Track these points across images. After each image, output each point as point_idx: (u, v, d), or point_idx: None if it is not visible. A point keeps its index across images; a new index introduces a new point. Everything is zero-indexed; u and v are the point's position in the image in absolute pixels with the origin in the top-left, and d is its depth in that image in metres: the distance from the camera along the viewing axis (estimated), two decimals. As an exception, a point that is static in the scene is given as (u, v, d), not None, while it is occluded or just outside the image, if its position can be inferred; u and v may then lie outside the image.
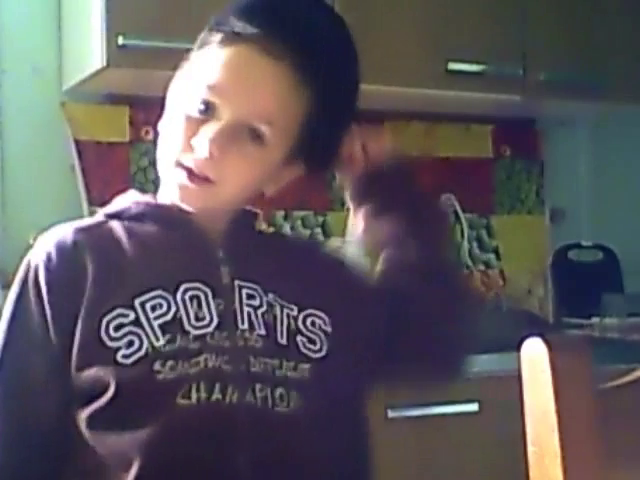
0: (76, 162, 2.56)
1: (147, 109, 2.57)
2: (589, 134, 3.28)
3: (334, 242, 2.81)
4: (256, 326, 1.20)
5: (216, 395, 1.14)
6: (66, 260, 1.21)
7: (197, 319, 1.18)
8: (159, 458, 1.12)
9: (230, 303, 1.21)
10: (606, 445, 0.96)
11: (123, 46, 2.25)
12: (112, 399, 1.13)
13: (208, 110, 1.18)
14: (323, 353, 1.23)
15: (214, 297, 1.20)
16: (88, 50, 2.37)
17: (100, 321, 1.16)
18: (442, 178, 3.02)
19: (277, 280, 1.25)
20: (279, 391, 1.18)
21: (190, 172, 1.18)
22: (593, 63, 2.81)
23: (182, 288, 1.19)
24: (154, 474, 1.12)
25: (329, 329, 1.25)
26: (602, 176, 3.27)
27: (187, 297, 1.19)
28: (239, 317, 1.20)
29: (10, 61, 2.57)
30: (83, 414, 1.16)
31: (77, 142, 2.56)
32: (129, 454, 1.12)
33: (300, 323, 1.24)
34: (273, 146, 1.20)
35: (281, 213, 2.81)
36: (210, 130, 1.16)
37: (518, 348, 1.00)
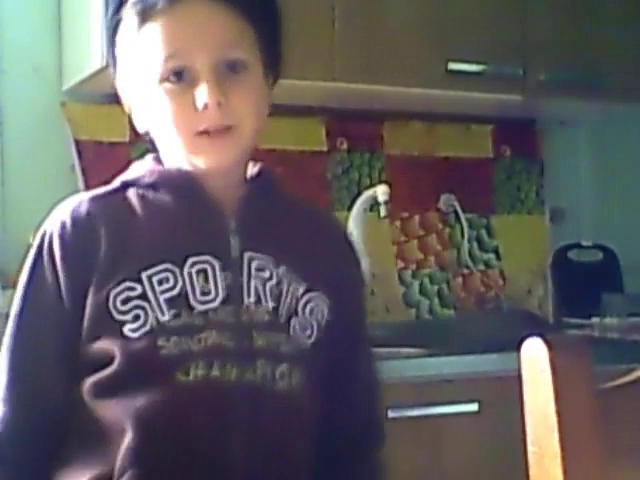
0: (76, 162, 2.56)
1: (147, 109, 2.57)
2: (589, 134, 3.28)
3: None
4: (263, 300, 1.21)
5: (214, 372, 1.16)
6: (80, 230, 1.23)
7: (203, 294, 1.19)
8: (152, 430, 1.15)
9: (238, 276, 1.21)
10: (606, 445, 0.96)
11: (123, 46, 2.25)
12: (116, 371, 1.17)
13: (182, 75, 1.20)
14: (312, 340, 1.24)
15: (222, 270, 1.21)
16: (88, 50, 2.37)
17: (108, 294, 1.18)
18: (442, 178, 3.02)
19: (290, 253, 1.26)
20: (281, 368, 1.19)
21: (210, 132, 1.20)
22: (593, 63, 2.81)
23: (190, 261, 1.20)
24: (147, 445, 1.15)
25: (326, 318, 1.26)
26: (602, 176, 3.27)
27: (194, 271, 1.20)
28: (245, 290, 1.21)
29: (10, 61, 2.57)
30: (87, 382, 1.19)
31: (77, 142, 2.57)
32: (124, 423, 1.15)
33: (301, 305, 1.24)
34: (253, 65, 1.23)
35: (281, 213, 2.81)
36: (202, 85, 1.19)
37: (518, 348, 1.00)
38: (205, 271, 1.20)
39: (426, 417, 2.25)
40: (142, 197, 1.26)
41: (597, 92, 2.81)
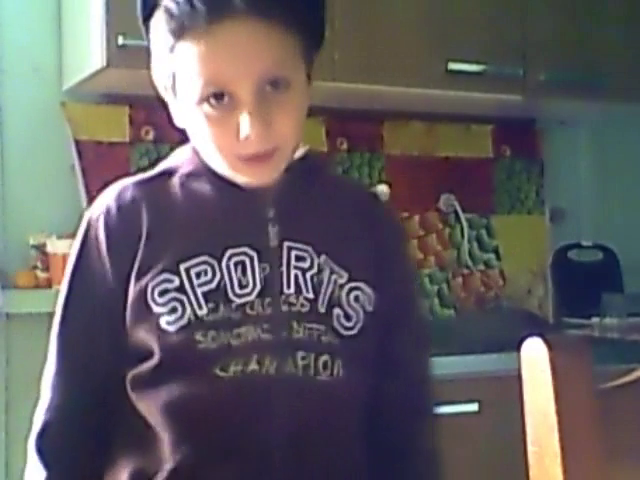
0: (76, 162, 2.56)
1: (147, 109, 2.57)
2: (589, 134, 3.28)
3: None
4: (303, 289, 1.20)
5: (252, 366, 1.15)
6: (124, 215, 1.23)
7: (241, 286, 1.18)
8: (190, 424, 1.16)
9: (277, 266, 1.20)
10: (606, 445, 0.96)
11: (123, 46, 2.25)
12: (155, 365, 1.17)
13: (222, 98, 1.15)
14: (354, 332, 1.21)
15: (260, 261, 1.20)
16: (88, 50, 2.38)
17: (147, 285, 1.18)
18: (442, 178, 3.02)
19: (331, 241, 1.24)
20: (323, 358, 1.18)
21: (254, 157, 1.17)
22: (593, 63, 2.81)
23: (228, 254, 1.19)
24: (185, 439, 1.15)
25: (370, 307, 1.23)
26: (602, 176, 3.27)
27: (232, 263, 1.19)
28: (285, 281, 1.19)
29: (10, 61, 2.57)
30: (129, 374, 1.20)
31: (77, 142, 2.56)
32: (162, 417, 1.16)
33: (344, 294, 1.22)
34: (296, 80, 1.19)
35: (281, 213, 2.81)
36: (243, 113, 1.14)
37: (518, 348, 1.00)
38: (243, 263, 1.19)
39: (426, 417, 2.25)
40: (182, 185, 1.25)
41: (597, 92, 2.81)
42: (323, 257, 1.22)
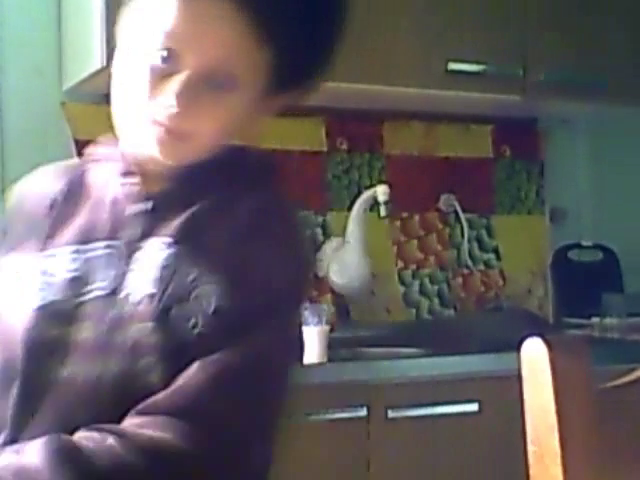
0: (76, 162, 2.56)
1: (147, 109, 2.57)
2: (589, 134, 3.28)
3: (334, 242, 2.82)
4: (148, 288, 1.13)
5: (76, 365, 1.12)
6: (14, 202, 1.30)
7: (92, 281, 1.16)
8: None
9: (126, 264, 1.16)
10: (606, 445, 0.96)
11: (123, 46, 2.25)
12: None
13: (170, 58, 1.12)
14: (197, 330, 1.11)
15: (116, 257, 1.17)
16: (88, 50, 2.37)
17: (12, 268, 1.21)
18: (442, 178, 3.02)
19: (195, 239, 1.16)
20: (146, 360, 1.10)
21: (167, 128, 1.13)
22: (593, 63, 2.81)
23: (91, 246, 1.18)
24: None
25: (215, 304, 1.12)
26: (602, 176, 3.27)
27: (91, 256, 1.18)
28: (131, 279, 1.15)
29: (10, 61, 2.57)
30: None
31: (77, 142, 2.56)
32: None
33: (197, 290, 1.12)
34: (244, 87, 1.14)
35: (281, 213, 2.81)
36: (176, 83, 1.11)
37: (518, 348, 1.00)
38: (101, 257, 1.17)
39: (426, 417, 2.25)
40: (84, 172, 1.28)
41: (597, 92, 2.81)
42: (178, 253, 1.15)
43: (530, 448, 0.98)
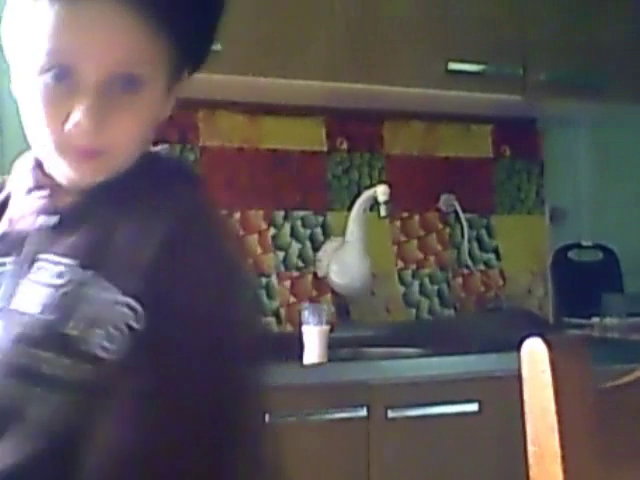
0: (76, 162, 2.56)
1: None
2: (589, 134, 3.28)
3: (334, 242, 2.82)
4: (41, 309, 1.02)
5: None
6: None
7: None
8: None
9: (19, 282, 1.07)
10: (606, 445, 0.96)
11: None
12: None
13: (65, 75, 1.03)
14: (115, 356, 1.00)
15: (9, 274, 1.08)
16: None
17: None
18: (442, 178, 3.02)
19: (104, 258, 1.05)
20: (37, 391, 1.01)
21: (77, 152, 1.05)
22: (593, 63, 2.81)
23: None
24: None
25: (128, 331, 1.01)
26: (602, 176, 3.27)
27: None
28: (22, 299, 1.05)
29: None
30: None
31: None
32: None
33: (109, 312, 1.02)
34: (150, 84, 1.06)
35: (281, 213, 2.81)
36: (81, 100, 1.03)
37: (518, 348, 1.00)
38: (3, 273, 1.09)
39: (426, 417, 2.25)
40: (8, 190, 1.21)
41: (597, 92, 2.81)
42: (89, 273, 1.04)
43: (530, 448, 0.98)
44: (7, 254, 1.10)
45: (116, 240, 1.06)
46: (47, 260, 1.07)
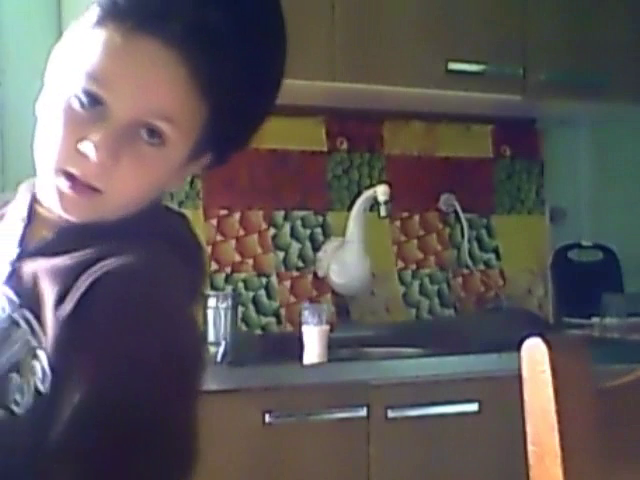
0: (76, 162, 2.56)
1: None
2: (589, 134, 3.28)
3: (334, 242, 2.82)
4: None
5: None
6: None
7: None
8: None
9: None
10: (606, 445, 0.96)
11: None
12: None
13: (93, 104, 0.98)
14: (22, 410, 0.96)
15: None
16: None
17: None
18: (442, 178, 3.02)
19: (42, 299, 1.00)
20: None
21: (74, 180, 0.99)
22: (593, 63, 2.81)
23: None
24: None
25: (42, 388, 0.96)
26: (602, 176, 3.27)
27: None
28: None
29: (10, 61, 2.57)
30: None
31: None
32: None
33: (27, 362, 0.97)
34: (174, 145, 1.00)
35: (281, 213, 2.81)
36: (99, 132, 0.97)
37: (518, 348, 1.00)
38: None
39: (426, 417, 2.25)
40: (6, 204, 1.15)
41: (597, 92, 2.81)
42: (28, 313, 1.00)
43: (530, 448, 0.98)
44: None
45: (53, 283, 0.99)
46: None
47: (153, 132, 0.99)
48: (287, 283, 2.81)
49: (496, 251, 3.10)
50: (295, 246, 2.83)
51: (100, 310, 0.96)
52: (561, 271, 3.15)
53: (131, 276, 0.98)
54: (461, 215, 3.02)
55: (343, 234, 2.80)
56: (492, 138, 3.11)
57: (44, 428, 0.93)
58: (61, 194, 1.00)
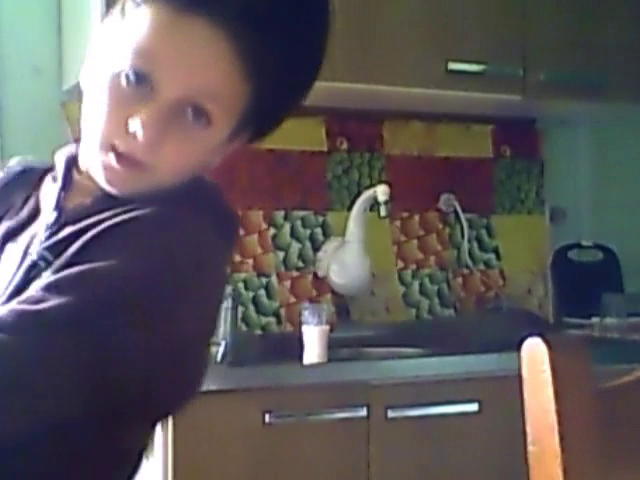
0: (76, 162, 2.56)
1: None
2: (589, 134, 3.28)
3: (334, 242, 2.82)
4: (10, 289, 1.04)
5: None
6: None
7: None
8: None
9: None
10: (606, 445, 0.96)
11: (123, 46, 2.25)
12: None
13: (141, 81, 1.00)
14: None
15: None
16: (88, 50, 2.37)
17: None
18: (442, 178, 3.02)
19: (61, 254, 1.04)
20: None
21: (120, 155, 1.02)
22: (593, 63, 2.81)
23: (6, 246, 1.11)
24: None
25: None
26: (602, 176, 3.27)
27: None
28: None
29: (10, 61, 2.57)
30: None
31: (77, 142, 2.56)
32: None
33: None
34: (218, 124, 1.03)
35: (281, 213, 2.81)
36: (147, 111, 0.99)
37: (518, 348, 1.00)
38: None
39: (426, 417, 2.25)
40: (40, 179, 1.21)
41: (597, 92, 2.81)
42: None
43: (530, 448, 0.98)
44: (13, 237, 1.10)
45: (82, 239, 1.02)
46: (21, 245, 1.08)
47: (199, 111, 1.01)
48: (287, 283, 2.81)
49: (496, 251, 3.10)
50: (295, 246, 2.83)
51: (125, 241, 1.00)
52: (561, 271, 3.15)
53: (159, 219, 1.02)
54: (461, 215, 3.02)
55: (343, 234, 2.80)
56: (492, 138, 3.11)
57: None
58: (106, 167, 1.04)
